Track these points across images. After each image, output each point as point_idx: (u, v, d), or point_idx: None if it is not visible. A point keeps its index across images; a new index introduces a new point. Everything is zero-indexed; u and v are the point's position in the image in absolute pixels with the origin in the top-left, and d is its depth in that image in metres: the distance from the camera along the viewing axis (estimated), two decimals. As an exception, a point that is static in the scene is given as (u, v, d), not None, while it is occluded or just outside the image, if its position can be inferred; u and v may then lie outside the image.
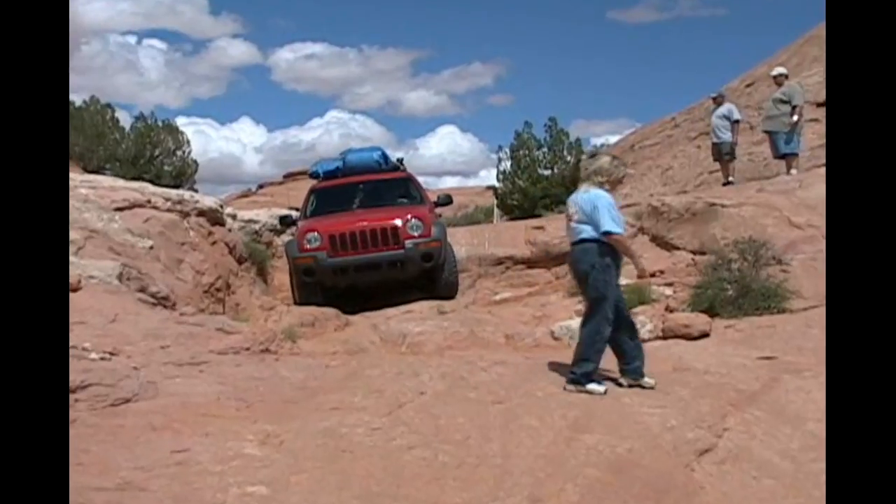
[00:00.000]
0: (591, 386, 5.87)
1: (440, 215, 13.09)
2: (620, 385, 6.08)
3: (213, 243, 11.69)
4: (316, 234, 11.11)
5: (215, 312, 9.91)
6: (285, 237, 15.58)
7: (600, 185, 6.06)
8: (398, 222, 11.15)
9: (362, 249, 10.97)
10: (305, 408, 5.38)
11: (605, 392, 5.84)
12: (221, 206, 13.03)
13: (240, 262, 12.28)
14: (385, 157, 13.50)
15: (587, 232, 5.94)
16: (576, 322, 9.52)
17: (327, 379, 6.31)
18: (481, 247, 14.58)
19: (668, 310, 9.31)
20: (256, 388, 5.88)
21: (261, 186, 68.71)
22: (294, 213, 13.11)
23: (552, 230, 15.38)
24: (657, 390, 6.01)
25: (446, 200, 12.60)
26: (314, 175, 13.58)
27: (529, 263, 14.89)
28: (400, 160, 13.76)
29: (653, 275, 10.96)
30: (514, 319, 10.45)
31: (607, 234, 5.85)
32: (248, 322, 9.03)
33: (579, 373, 5.89)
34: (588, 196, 6.00)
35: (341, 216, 11.71)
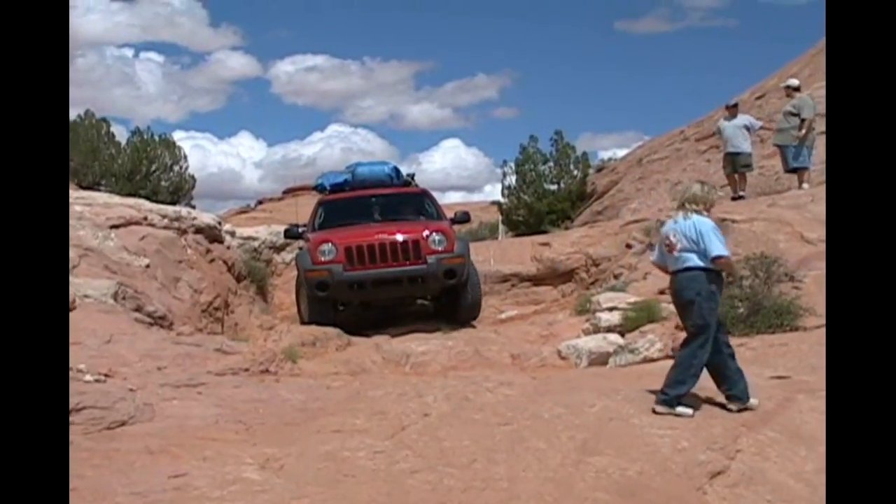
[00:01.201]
0: (681, 409, 5.92)
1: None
2: (730, 410, 6.07)
3: (212, 261, 11.72)
4: (331, 245, 10.80)
5: (213, 332, 9.93)
6: (286, 254, 15.60)
7: (696, 211, 6.13)
8: (420, 236, 10.88)
9: (381, 263, 10.68)
10: (306, 430, 5.37)
11: (693, 416, 5.87)
12: (220, 223, 13.06)
13: (238, 280, 12.31)
14: (397, 171, 13.35)
15: (693, 259, 6.01)
16: (583, 341, 9.53)
17: (329, 400, 6.30)
18: (486, 263, 14.60)
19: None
20: (256, 410, 5.87)
21: (260, 202, 68.67)
22: (300, 227, 12.89)
23: (558, 246, 15.39)
24: (669, 413, 5.99)
25: (463, 218, 12.30)
26: (320, 188, 13.41)
27: (535, 281, 14.91)
28: (411, 175, 13.64)
29: (662, 292, 10.95)
30: (520, 338, 10.44)
31: (718, 258, 5.93)
32: (248, 342, 9.04)
33: (672, 394, 5.93)
34: (690, 223, 6.08)
35: (356, 229, 11.42)
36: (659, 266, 6.49)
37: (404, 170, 13.75)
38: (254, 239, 15.34)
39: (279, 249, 15.62)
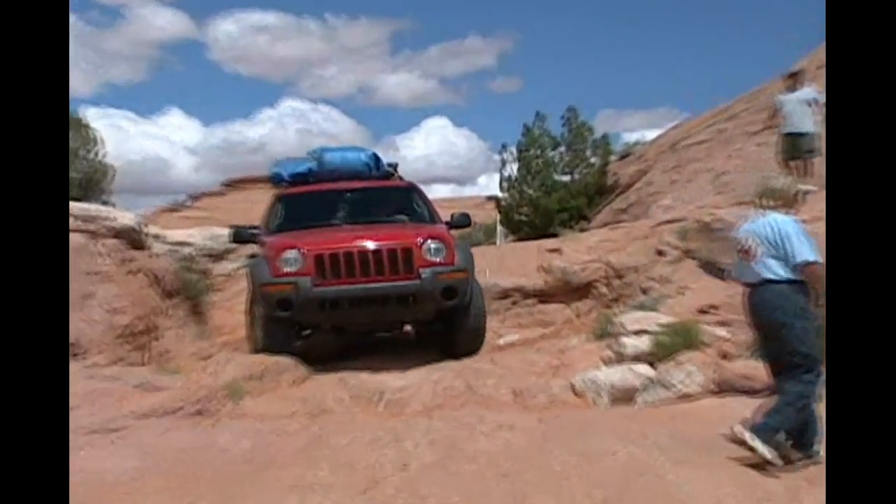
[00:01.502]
0: (762, 448, 5.86)
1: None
2: (791, 461, 6.05)
3: (132, 273, 11.69)
4: (296, 252, 10.47)
5: (135, 363, 9.90)
6: (228, 264, 15.57)
7: (773, 208, 6.11)
8: (412, 243, 10.58)
9: (362, 277, 10.37)
10: (253, 487, 5.35)
11: (772, 461, 5.85)
12: (143, 224, 13.04)
13: (167, 296, 12.28)
14: (376, 160, 13.06)
15: (775, 270, 5.97)
16: (604, 373, 9.54)
17: (282, 449, 6.29)
18: (481, 275, 14.61)
19: (724, 356, 9.30)
20: (189, 461, 5.85)
21: (194, 198, 68.70)
22: (252, 228, 12.40)
23: (572, 253, 15.41)
24: (709, 461, 6.01)
25: (463, 221, 11.99)
26: (276, 179, 13.22)
27: (543, 297, 14.93)
28: (394, 166, 13.48)
29: (703, 311, 10.98)
30: (523, 369, 10.42)
31: (807, 264, 5.87)
32: (179, 375, 9.02)
33: (768, 425, 5.88)
34: (769, 223, 6.06)
35: (328, 232, 11.20)
36: (743, 283, 6.40)
37: (384, 158, 13.53)
38: (187, 244, 15.32)
39: (219, 258, 15.61)
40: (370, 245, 10.52)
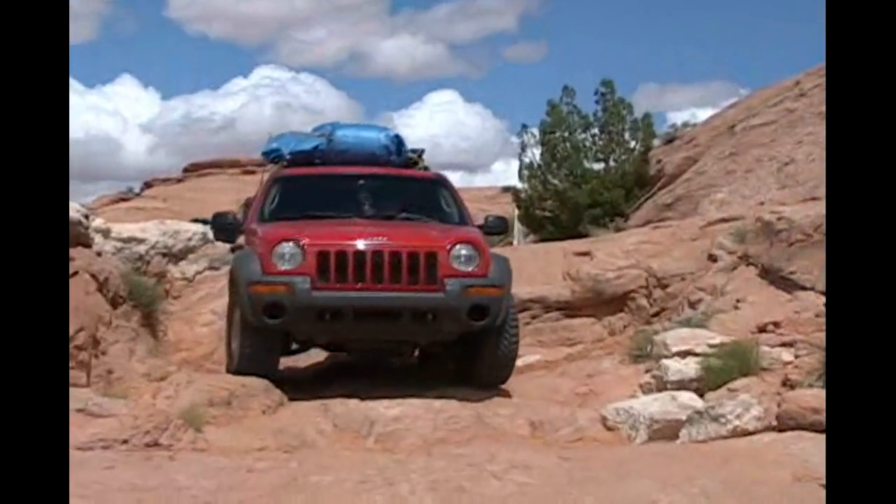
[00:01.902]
0: None
1: None
2: None
3: (73, 275, 11.72)
4: (294, 246, 10.16)
5: (74, 384, 9.92)
6: (188, 265, 15.59)
7: None
8: (438, 246, 10.24)
9: (372, 283, 10.04)
10: (215, 537, 5.37)
11: None
12: (86, 217, 13.07)
13: (114, 304, 12.29)
14: (398, 142, 12.80)
15: None
16: (641, 403, 9.55)
17: (251, 490, 6.30)
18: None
19: (788, 385, 9.32)
20: (138, 503, 5.87)
21: (148, 185, 68.97)
22: (234, 216, 12.26)
23: (605, 257, 15.44)
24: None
25: (498, 226, 11.93)
26: (272, 156, 12.98)
27: (569, 310, 14.98)
28: (418, 152, 13.19)
29: (763, 329, 10.99)
30: (544, 397, 10.46)
31: None
32: (127, 399, 9.03)
33: None
34: None
35: (335, 225, 10.95)
36: None
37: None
38: (139, 241, 15.33)
39: (178, 258, 15.62)
40: (386, 245, 10.20)
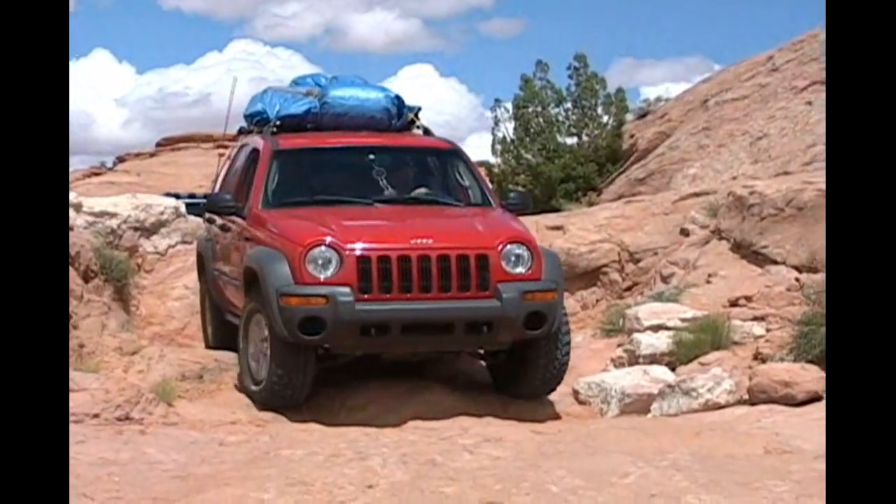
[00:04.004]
0: None
1: None
2: None
3: (44, 248, 11.67)
4: (331, 251, 9.06)
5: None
6: (160, 239, 15.50)
7: None
8: (489, 246, 9.26)
9: (420, 291, 9.06)
10: (186, 510, 5.35)
11: None
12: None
13: (86, 279, 12.25)
14: (399, 104, 11.61)
15: None
16: (613, 377, 9.57)
17: (222, 463, 6.29)
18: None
19: (759, 358, 9.34)
20: (109, 477, 5.84)
21: (121, 160, 68.53)
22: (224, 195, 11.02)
23: (578, 232, 15.44)
24: (740, 485, 6.02)
25: (520, 201, 10.88)
26: (256, 118, 11.75)
27: (542, 284, 14.95)
28: (414, 111, 11.94)
29: (735, 303, 11.02)
30: (516, 372, 10.44)
31: None
32: (98, 373, 8.98)
33: None
34: None
35: (362, 217, 10.02)
36: None
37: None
38: (111, 215, 15.23)
39: (150, 232, 15.52)
40: (433, 248, 9.14)
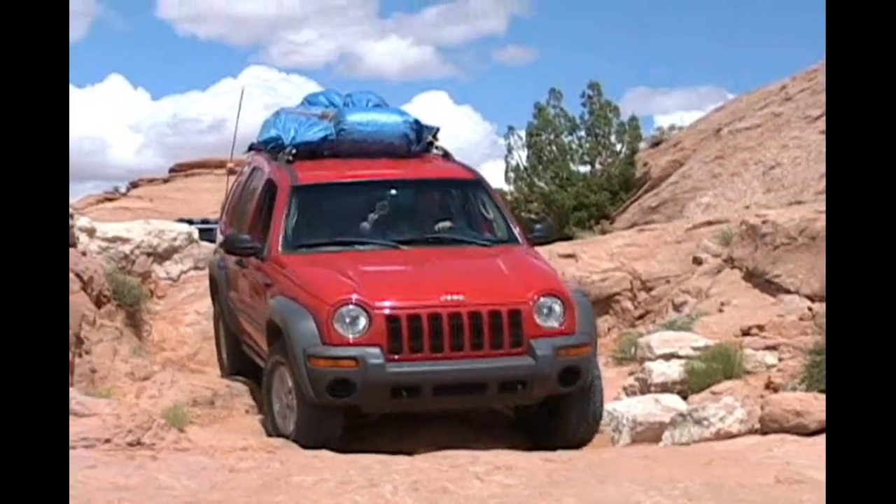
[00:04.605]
0: None
1: None
2: None
3: (57, 273, 11.70)
4: (360, 310, 8.68)
5: (58, 383, 9.89)
6: (172, 265, 15.53)
7: None
8: (522, 300, 8.90)
9: (452, 350, 8.69)
10: (196, 536, 5.35)
11: None
12: (72, 216, 13.03)
13: (99, 304, 12.27)
14: (418, 129, 11.05)
15: None
16: (625, 405, 9.55)
17: (233, 490, 6.28)
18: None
19: (771, 388, 9.33)
20: (120, 503, 5.85)
21: (134, 185, 68.80)
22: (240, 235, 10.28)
23: (590, 260, 15.43)
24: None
25: (546, 233, 10.65)
26: (270, 145, 11.22)
27: (554, 312, 14.94)
28: (433, 132, 11.38)
29: (747, 332, 11.00)
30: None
31: None
32: (110, 398, 9.00)
33: None
34: None
35: (388, 265, 9.70)
36: None
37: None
38: (124, 241, 15.28)
39: (163, 258, 15.58)
40: (464, 304, 8.77)
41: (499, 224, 10.34)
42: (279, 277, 9.48)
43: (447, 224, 10.33)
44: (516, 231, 10.22)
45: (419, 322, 8.59)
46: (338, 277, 9.03)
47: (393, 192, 10.41)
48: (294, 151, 10.64)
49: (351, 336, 8.57)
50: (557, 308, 8.88)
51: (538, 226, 10.78)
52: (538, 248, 10.34)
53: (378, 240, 9.88)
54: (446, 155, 11.19)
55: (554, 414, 9.18)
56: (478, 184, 10.79)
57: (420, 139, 11.01)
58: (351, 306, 8.61)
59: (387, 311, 8.62)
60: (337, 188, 10.53)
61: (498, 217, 10.39)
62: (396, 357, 8.53)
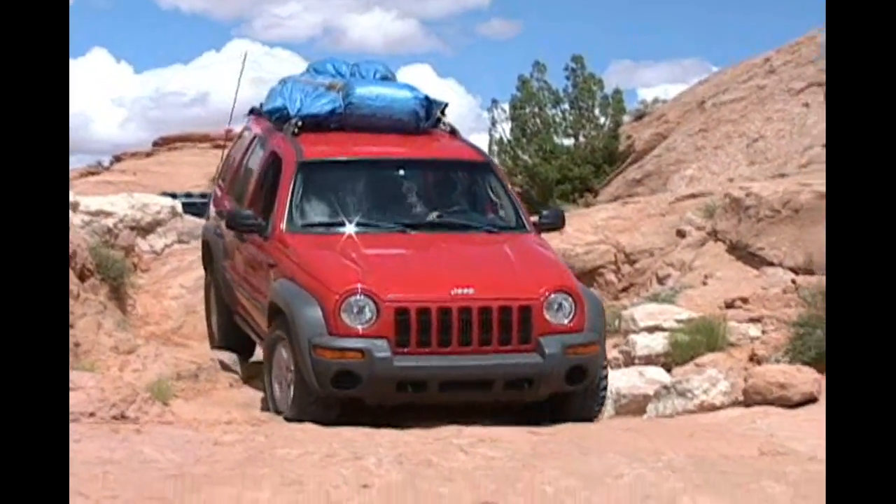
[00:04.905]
0: None
1: None
2: None
3: (40, 247, 11.65)
4: (366, 299, 8.48)
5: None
6: (156, 238, 15.48)
7: None
8: (532, 297, 8.70)
9: (459, 345, 8.52)
10: (181, 510, 5.34)
11: None
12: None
13: (82, 277, 12.22)
14: (428, 105, 10.74)
15: None
16: (609, 376, 9.53)
17: (217, 463, 6.27)
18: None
19: (754, 360, 9.35)
20: (105, 476, 5.83)
21: (117, 159, 68.52)
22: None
23: (573, 233, 15.40)
24: (735, 486, 6.03)
25: (555, 220, 10.22)
26: (277, 115, 10.88)
27: (538, 285, 14.94)
28: (441, 107, 11.08)
29: (731, 304, 11.02)
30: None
31: None
32: (94, 372, 8.98)
33: None
34: None
35: (395, 251, 9.49)
36: None
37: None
38: (107, 214, 15.24)
39: (146, 231, 15.54)
40: (474, 299, 8.58)
41: (508, 211, 10.13)
42: (283, 258, 9.26)
43: (455, 209, 10.07)
44: (525, 218, 9.99)
45: (428, 316, 8.41)
46: (345, 264, 8.85)
47: (401, 172, 10.26)
48: (300, 123, 10.30)
49: (358, 326, 8.37)
50: (567, 305, 8.68)
51: (546, 212, 10.43)
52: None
53: (385, 222, 9.62)
54: (453, 132, 10.90)
55: (557, 409, 8.92)
56: (488, 166, 10.67)
57: (429, 116, 10.72)
58: (359, 296, 8.40)
59: (396, 304, 8.40)
60: (344, 166, 10.28)
61: (507, 202, 10.19)
62: (403, 350, 8.35)
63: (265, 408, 9.13)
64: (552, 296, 8.60)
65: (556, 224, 10.10)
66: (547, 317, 8.54)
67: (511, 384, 8.58)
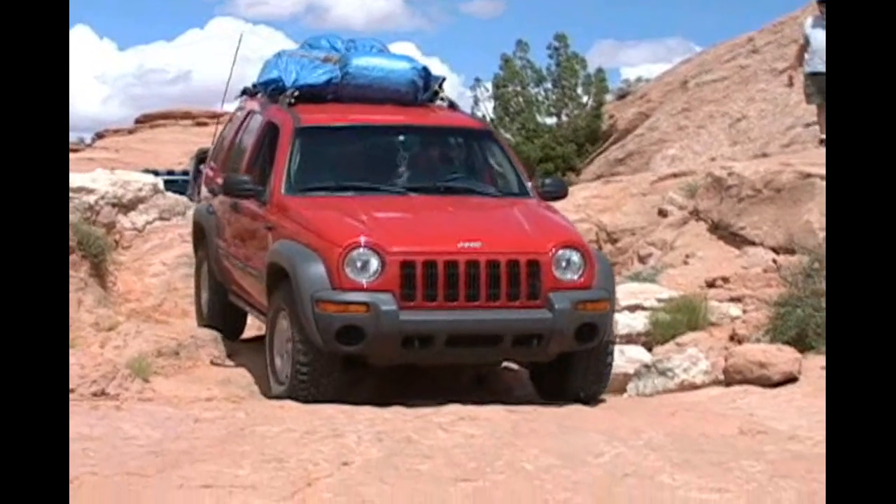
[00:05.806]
0: None
1: None
2: None
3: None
4: (373, 253, 8.26)
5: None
6: (137, 215, 15.43)
7: None
8: (541, 252, 8.50)
9: (466, 300, 8.34)
10: (161, 486, 5.33)
11: None
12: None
13: (63, 254, 12.23)
14: (426, 76, 10.58)
15: None
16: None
17: (197, 440, 6.27)
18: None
19: (735, 339, 9.37)
20: (84, 452, 5.82)
21: (99, 136, 68.42)
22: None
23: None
24: (714, 465, 6.05)
25: (557, 189, 9.99)
26: (272, 87, 10.63)
27: (519, 263, 14.96)
28: (439, 82, 10.95)
29: (712, 284, 11.05)
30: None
31: None
32: (75, 349, 8.97)
33: None
34: None
35: (399, 210, 9.30)
36: None
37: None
38: (88, 191, 15.16)
39: (128, 208, 15.46)
40: (481, 252, 8.39)
41: (510, 177, 9.98)
42: (282, 221, 9.05)
43: (458, 176, 9.98)
44: (528, 185, 9.84)
45: (435, 269, 8.21)
46: (348, 220, 8.65)
47: (401, 138, 10.13)
48: (296, 94, 10.11)
49: (363, 280, 8.17)
50: (577, 260, 8.52)
51: (548, 180, 10.31)
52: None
53: (387, 186, 9.52)
54: (452, 105, 10.81)
55: (564, 369, 8.78)
56: (489, 134, 10.56)
57: (427, 87, 10.56)
58: (363, 249, 8.21)
59: (401, 256, 8.21)
60: (343, 132, 10.11)
61: (509, 170, 10.02)
62: (409, 304, 8.15)
63: (264, 390, 8.97)
64: (561, 251, 8.45)
65: (559, 193, 9.90)
66: (556, 272, 8.39)
67: (520, 340, 8.38)
